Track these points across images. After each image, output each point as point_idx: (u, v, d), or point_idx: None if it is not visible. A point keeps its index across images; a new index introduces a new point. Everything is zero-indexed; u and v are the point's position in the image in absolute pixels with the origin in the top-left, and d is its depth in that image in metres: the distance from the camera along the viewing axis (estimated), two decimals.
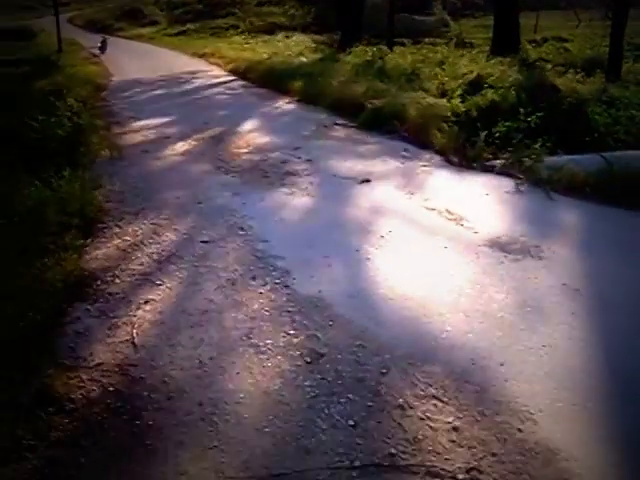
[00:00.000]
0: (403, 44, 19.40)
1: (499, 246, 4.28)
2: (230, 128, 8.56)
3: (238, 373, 2.98)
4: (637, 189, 5.17)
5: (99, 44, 21.49)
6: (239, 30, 29.56)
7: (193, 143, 7.76)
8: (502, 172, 6.04)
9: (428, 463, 2.37)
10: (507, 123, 7.65)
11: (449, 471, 2.32)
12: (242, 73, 14.54)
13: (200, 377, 2.97)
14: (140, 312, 3.60)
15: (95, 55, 20.92)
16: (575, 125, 8.15)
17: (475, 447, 2.44)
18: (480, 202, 5.28)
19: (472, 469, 2.33)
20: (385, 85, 9.76)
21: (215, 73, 15.56)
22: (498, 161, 6.33)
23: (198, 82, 14.02)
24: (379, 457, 2.41)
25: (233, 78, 14.44)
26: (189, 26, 33.14)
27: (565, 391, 2.75)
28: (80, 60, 18.92)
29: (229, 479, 2.35)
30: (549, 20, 23.53)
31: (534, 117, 7.56)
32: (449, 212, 4.97)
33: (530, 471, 2.31)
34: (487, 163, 6.31)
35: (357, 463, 2.38)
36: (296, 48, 18.45)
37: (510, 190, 5.54)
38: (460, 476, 2.30)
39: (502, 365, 2.94)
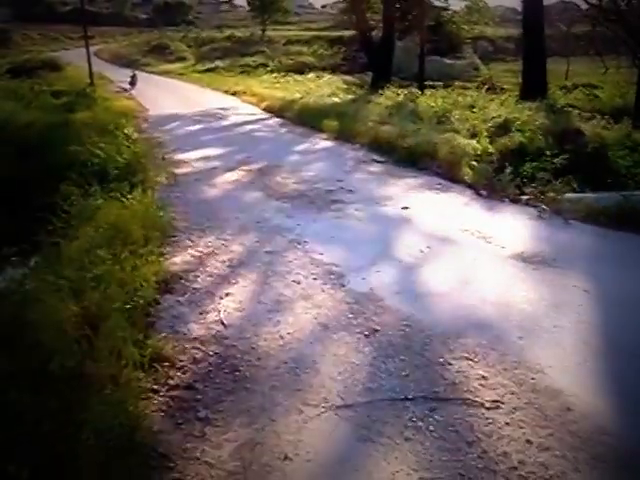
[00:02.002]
0: (434, 87, 20.71)
1: (522, 258, 5.35)
2: (273, 161, 9.74)
3: (312, 343, 4.02)
4: None
5: (129, 78, 23.13)
6: (268, 69, 31.24)
7: (241, 173, 8.94)
8: (527, 203, 7.11)
9: (463, 397, 3.38)
10: (534, 163, 8.78)
11: (479, 402, 3.33)
12: (276, 111, 15.90)
13: (282, 345, 4.00)
14: (223, 302, 4.65)
15: (125, 89, 22.57)
16: (598, 167, 9.27)
17: (498, 389, 3.45)
18: (506, 225, 6.36)
19: (495, 401, 3.34)
20: (417, 126, 10.97)
21: (249, 110, 16.98)
22: (524, 196, 7.40)
23: (234, 118, 15.41)
24: (426, 393, 3.43)
25: (268, 115, 15.81)
26: (218, 63, 35.01)
27: (570, 355, 3.77)
28: (112, 94, 20.52)
29: (312, 406, 3.36)
30: (580, 66, 24.93)
31: (559, 159, 8.66)
32: (479, 232, 6.06)
33: (540, 403, 3.31)
34: (514, 196, 7.38)
35: (410, 396, 3.40)
36: (328, 88, 19.83)
37: (533, 217, 6.62)
38: (487, 405, 3.31)
39: (521, 339, 3.97)
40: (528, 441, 3.01)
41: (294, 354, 3.88)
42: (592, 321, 4.21)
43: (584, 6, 17.36)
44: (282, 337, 4.10)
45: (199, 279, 5.10)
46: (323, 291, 4.80)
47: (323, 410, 3.31)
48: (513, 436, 3.05)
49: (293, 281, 5.00)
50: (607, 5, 16.22)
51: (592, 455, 2.91)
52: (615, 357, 3.77)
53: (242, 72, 31.56)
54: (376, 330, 4.14)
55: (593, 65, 21.59)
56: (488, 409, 3.27)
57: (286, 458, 2.94)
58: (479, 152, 9.25)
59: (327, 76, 25.29)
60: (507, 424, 3.14)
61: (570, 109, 14.57)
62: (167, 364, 3.82)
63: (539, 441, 3.01)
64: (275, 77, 26.26)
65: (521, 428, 3.11)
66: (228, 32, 48.13)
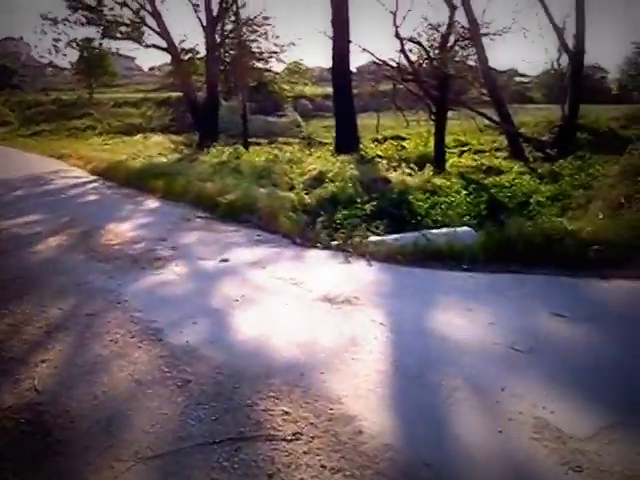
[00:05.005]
0: (259, 144, 21.34)
1: (327, 299, 5.69)
2: (98, 224, 9.54)
3: (126, 399, 4.01)
4: (437, 254, 6.87)
5: None
6: (96, 131, 30.55)
7: (64, 237, 8.68)
8: (337, 249, 7.55)
9: (267, 433, 3.54)
10: (345, 211, 9.35)
11: (281, 436, 3.50)
12: (103, 173, 15.61)
13: (96, 405, 3.93)
14: (38, 369, 4.50)
15: None
16: (401, 210, 10.03)
17: (299, 421, 3.64)
18: (316, 270, 6.73)
19: (296, 433, 3.53)
20: (239, 181, 11.29)
21: (76, 174, 16.50)
22: (334, 242, 7.85)
23: (60, 182, 14.91)
24: (233, 434, 3.54)
25: (94, 178, 15.49)
26: (44, 127, 33.69)
27: (364, 383, 4.06)
28: None
29: (123, 462, 3.36)
30: (390, 120, 26.87)
31: (369, 205, 9.30)
32: (292, 279, 6.35)
33: (335, 429, 3.54)
34: (325, 243, 7.81)
35: (218, 439, 3.50)
36: (155, 148, 19.83)
37: (341, 261, 7.06)
38: (288, 438, 3.48)
39: (322, 373, 4.22)
40: (322, 466, 3.21)
41: (108, 412, 3.84)
42: (384, 351, 4.57)
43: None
44: (97, 397, 4.04)
45: (14, 348, 4.89)
46: (140, 348, 4.79)
47: (133, 464, 3.31)
48: (310, 463, 3.24)
49: (111, 340, 4.94)
50: (404, 67, 17.70)
51: (376, 470, 3.16)
52: (400, 380, 4.12)
53: (69, 135, 30.63)
54: (189, 380, 4.21)
55: (401, 119, 23.31)
56: (289, 441, 3.45)
57: None
58: (296, 203, 9.69)
59: (155, 137, 25.24)
60: (305, 453, 3.33)
61: (379, 159, 15.67)
62: None
63: (332, 464, 3.22)
64: (103, 139, 25.78)
65: (317, 455, 3.31)
66: (54, 95, 46.39)
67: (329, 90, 20.25)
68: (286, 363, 4.41)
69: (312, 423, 3.62)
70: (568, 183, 11.56)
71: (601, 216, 7.60)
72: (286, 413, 3.74)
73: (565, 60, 23.23)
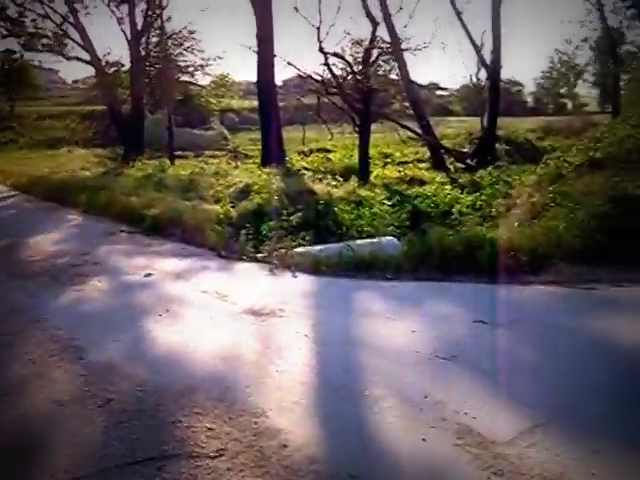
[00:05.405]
0: (185, 157, 21.07)
1: (252, 312, 5.64)
2: (19, 240, 9.20)
3: (44, 421, 3.82)
4: (362, 265, 6.93)
5: None
6: (19, 145, 29.48)
7: None
8: (263, 260, 7.51)
9: (190, 450, 3.45)
10: (271, 223, 9.32)
11: (204, 453, 3.42)
12: (25, 188, 15.02)
13: (12, 430, 3.75)
14: None
15: None
16: (327, 221, 10.09)
17: (222, 437, 3.57)
18: (241, 283, 6.68)
19: (219, 449, 3.46)
20: (164, 195, 11.09)
21: None
22: (260, 254, 7.80)
23: None
24: (156, 453, 3.43)
25: (15, 193, 14.90)
26: None
27: (289, 396, 4.03)
28: None
29: None
30: (316, 133, 27.07)
31: (294, 217, 9.31)
32: (217, 292, 6.26)
33: (260, 444, 3.49)
34: (251, 255, 7.75)
35: (139, 458, 3.38)
36: (79, 162, 19.27)
37: (267, 273, 7.02)
38: (211, 454, 3.41)
39: (247, 387, 4.16)
40: None
41: (25, 435, 3.67)
42: (308, 362, 4.56)
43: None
44: (14, 421, 3.86)
45: None
46: (60, 367, 4.61)
47: None
48: None
49: (30, 360, 4.73)
50: (328, 80, 17.90)
51: None
52: (324, 391, 4.12)
53: None
54: (110, 399, 4.07)
55: (326, 132, 23.52)
56: (212, 458, 3.37)
57: None
58: (222, 216, 9.60)
59: (79, 150, 24.53)
60: (229, 469, 3.26)
61: (305, 172, 15.76)
62: None
63: None
64: (25, 153, 24.83)
65: (241, 471, 3.24)
66: None
67: (256, 103, 20.22)
68: (210, 378, 4.33)
69: (236, 438, 3.56)
70: (488, 193, 11.94)
71: (517, 224, 7.86)
72: (210, 429, 3.66)
73: (484, 74, 24.16)
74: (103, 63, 25.47)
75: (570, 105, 50.10)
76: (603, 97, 46.19)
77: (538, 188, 9.92)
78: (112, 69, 26.59)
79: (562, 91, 50.00)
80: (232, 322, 5.44)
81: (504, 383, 4.20)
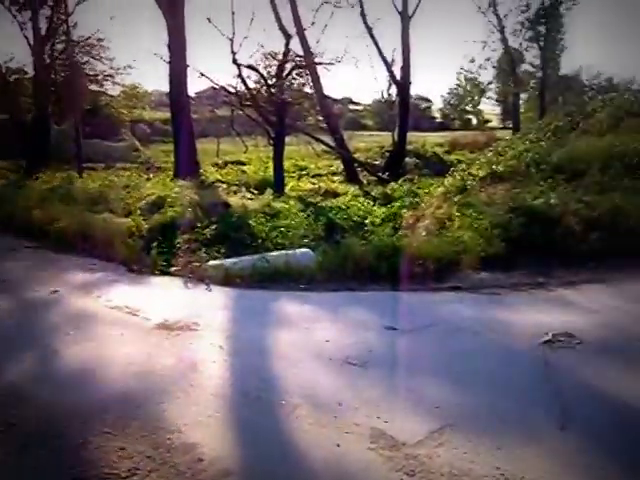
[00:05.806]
0: (95, 169, 20.36)
1: (165, 326, 5.53)
2: None
3: None
4: (276, 276, 6.95)
5: None
6: None
7: None
8: (176, 274, 7.38)
9: (101, 472, 3.33)
10: (184, 236, 9.15)
11: (116, 473, 3.31)
12: None
13: None
14: None
15: None
16: (242, 234, 10.01)
17: (135, 456, 3.47)
18: (154, 297, 6.54)
19: (132, 469, 3.36)
20: (72, 208, 10.68)
21: None
22: (173, 267, 7.66)
23: None
24: (64, 477, 3.29)
25: None
26: None
27: (204, 409, 3.97)
28: None
29: None
30: (230, 145, 26.91)
31: (209, 229, 9.18)
32: (128, 307, 6.10)
33: (175, 460, 3.41)
34: (163, 269, 7.60)
35: None
36: None
37: (180, 287, 6.91)
38: (123, 475, 3.31)
39: (160, 403, 4.07)
40: None
41: None
42: (223, 374, 4.52)
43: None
44: None
45: None
46: None
47: None
48: None
49: None
50: (242, 92, 17.85)
51: None
52: (240, 403, 4.09)
53: None
54: (13, 424, 3.87)
55: (240, 144, 23.39)
56: (124, 478, 3.27)
57: None
58: (133, 230, 9.35)
59: None
60: None
61: (220, 184, 15.61)
62: None
63: None
64: None
65: None
66: None
67: (168, 115, 19.85)
68: (121, 396, 4.20)
69: (149, 456, 3.47)
70: (399, 204, 12.21)
71: (425, 234, 8.10)
72: (121, 449, 3.55)
73: (394, 90, 24.84)
74: (3, 70, 24.30)
75: (475, 121, 52.20)
76: (505, 114, 48.52)
77: (445, 199, 10.26)
78: (14, 76, 25.42)
79: (468, 107, 51.99)
80: (144, 337, 5.31)
81: (414, 386, 4.32)
